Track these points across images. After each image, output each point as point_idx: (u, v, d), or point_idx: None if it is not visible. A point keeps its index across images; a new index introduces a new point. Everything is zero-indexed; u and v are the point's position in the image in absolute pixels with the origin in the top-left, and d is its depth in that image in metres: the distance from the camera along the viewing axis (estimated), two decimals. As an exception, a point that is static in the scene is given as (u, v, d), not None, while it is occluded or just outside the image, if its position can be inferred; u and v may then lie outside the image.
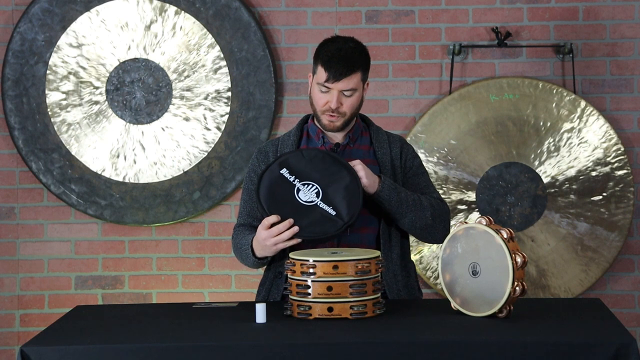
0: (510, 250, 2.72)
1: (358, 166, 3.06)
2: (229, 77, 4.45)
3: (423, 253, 4.45)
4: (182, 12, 4.44)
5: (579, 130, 4.40)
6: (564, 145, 4.41)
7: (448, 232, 3.17)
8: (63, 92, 4.47)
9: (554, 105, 4.41)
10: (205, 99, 4.46)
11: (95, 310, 3.17)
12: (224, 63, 4.45)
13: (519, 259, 2.72)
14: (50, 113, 4.46)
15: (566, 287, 4.40)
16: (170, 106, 4.47)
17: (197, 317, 2.89)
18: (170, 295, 4.52)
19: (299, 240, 2.99)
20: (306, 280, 2.77)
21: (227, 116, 4.46)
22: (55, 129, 4.47)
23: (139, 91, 4.48)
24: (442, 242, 3.05)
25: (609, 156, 4.40)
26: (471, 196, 4.43)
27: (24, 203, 4.54)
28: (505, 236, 2.74)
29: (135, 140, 4.48)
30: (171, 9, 4.44)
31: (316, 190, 3.04)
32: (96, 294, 4.54)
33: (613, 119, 4.44)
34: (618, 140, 4.39)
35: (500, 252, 2.73)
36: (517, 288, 2.72)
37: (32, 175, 4.51)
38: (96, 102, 4.48)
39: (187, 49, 4.45)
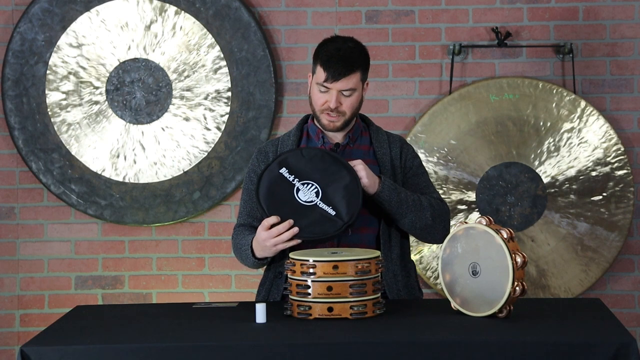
0: (510, 250, 2.72)
1: (359, 166, 3.05)
2: (229, 77, 4.45)
3: (423, 253, 4.45)
4: (182, 12, 4.44)
5: (579, 130, 4.40)
6: (564, 145, 4.41)
7: (448, 232, 3.17)
8: (63, 92, 4.47)
9: (554, 105, 4.41)
10: (205, 99, 4.47)
11: (95, 310, 3.17)
12: (224, 63, 4.45)
13: (519, 259, 2.72)
14: (50, 113, 4.46)
15: (566, 287, 4.40)
16: (170, 106, 4.47)
17: (197, 317, 2.89)
18: (170, 295, 4.52)
19: (299, 241, 2.99)
20: (306, 280, 2.77)
21: (227, 116, 4.46)
22: (55, 129, 4.47)
23: (139, 91, 4.48)
24: (442, 242, 3.05)
25: (609, 156, 4.40)
26: (471, 196, 4.43)
27: (24, 203, 4.54)
28: (505, 236, 2.74)
29: (135, 140, 4.48)
30: (171, 9, 4.44)
31: (316, 190, 3.03)
32: (96, 294, 4.54)
33: (613, 119, 4.44)
34: (618, 140, 4.39)
35: (500, 252, 2.73)
36: (517, 288, 2.72)
37: (32, 175, 4.51)
38: (96, 102, 4.48)
39: (187, 49, 4.45)
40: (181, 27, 4.45)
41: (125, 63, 4.47)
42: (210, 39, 4.44)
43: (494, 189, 4.43)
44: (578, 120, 4.40)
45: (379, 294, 2.82)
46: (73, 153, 4.47)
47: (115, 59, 4.46)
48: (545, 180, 4.42)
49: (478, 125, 4.43)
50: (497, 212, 4.41)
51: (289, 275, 2.83)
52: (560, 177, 4.42)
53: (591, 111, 4.39)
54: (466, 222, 2.83)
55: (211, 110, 4.46)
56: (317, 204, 3.01)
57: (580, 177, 4.41)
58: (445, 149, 4.43)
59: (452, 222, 4.27)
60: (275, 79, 4.45)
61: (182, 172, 4.48)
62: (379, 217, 3.15)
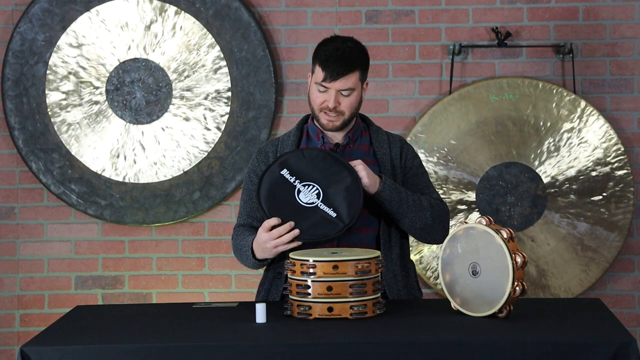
0: (510, 250, 2.72)
1: (359, 166, 3.05)
2: (229, 77, 4.45)
3: (423, 253, 4.45)
4: (182, 12, 4.44)
5: (579, 130, 4.40)
6: (564, 145, 4.41)
7: (447, 232, 3.17)
8: (63, 92, 4.47)
9: (554, 105, 4.41)
10: (205, 99, 4.46)
11: (95, 310, 3.17)
12: (224, 63, 4.45)
13: (519, 259, 2.72)
14: (50, 113, 4.46)
15: (566, 287, 4.40)
16: (170, 106, 4.47)
17: (197, 317, 2.89)
18: (170, 295, 4.52)
19: (300, 243, 2.99)
20: (306, 280, 2.77)
21: (227, 116, 4.46)
22: (55, 129, 4.47)
23: (139, 91, 4.48)
24: (441, 242, 3.05)
25: (609, 156, 4.40)
26: (471, 196, 4.43)
27: (24, 203, 4.54)
28: (505, 236, 2.74)
29: (135, 140, 4.48)
30: (171, 9, 4.44)
31: (317, 191, 3.03)
32: (96, 294, 4.54)
33: (613, 119, 4.44)
34: (618, 140, 4.39)
35: (500, 252, 2.73)
36: (517, 288, 2.72)
37: (32, 175, 4.51)
38: (96, 102, 4.48)
39: (187, 49, 4.45)
40: (181, 27, 4.45)
41: (125, 63, 4.47)
42: (210, 39, 4.44)
43: (494, 189, 4.43)
44: (578, 120, 4.40)
45: (379, 294, 2.82)
46: (73, 153, 4.47)
47: (115, 59, 4.46)
48: (545, 180, 4.42)
49: (478, 125, 4.43)
50: (497, 212, 4.41)
51: (289, 275, 2.83)
52: (560, 177, 4.42)
53: (591, 111, 4.39)
54: (466, 222, 2.83)
55: (211, 110, 4.46)
56: (318, 205, 3.01)
57: (580, 177, 4.41)
58: (445, 149, 4.43)
59: (452, 222, 4.27)
60: (275, 79, 4.45)
61: (182, 172, 4.48)
62: (379, 217, 3.15)
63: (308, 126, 3.25)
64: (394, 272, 3.16)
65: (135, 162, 4.47)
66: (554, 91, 4.41)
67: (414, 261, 4.18)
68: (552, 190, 4.42)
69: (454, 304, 2.84)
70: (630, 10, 4.44)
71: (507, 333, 2.62)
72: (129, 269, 4.54)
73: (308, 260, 2.77)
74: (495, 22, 4.46)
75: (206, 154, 4.47)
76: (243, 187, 3.27)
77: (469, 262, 2.79)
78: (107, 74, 4.47)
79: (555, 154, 4.41)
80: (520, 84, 4.42)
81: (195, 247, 4.54)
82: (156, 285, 4.54)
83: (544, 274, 4.41)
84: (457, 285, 2.82)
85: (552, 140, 4.41)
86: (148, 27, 4.45)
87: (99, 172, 4.47)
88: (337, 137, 3.20)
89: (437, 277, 4.43)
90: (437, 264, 4.01)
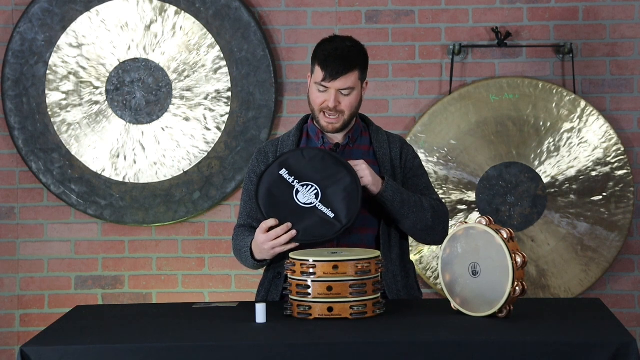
0: (510, 250, 2.72)
1: (362, 165, 3.05)
2: (229, 77, 4.45)
3: (423, 253, 4.45)
4: (182, 12, 4.44)
5: (579, 130, 4.40)
6: (564, 145, 4.41)
7: (447, 234, 3.17)
8: (63, 92, 4.47)
9: (554, 105, 4.41)
10: (205, 99, 4.46)
11: (95, 310, 3.17)
12: (224, 63, 4.45)
13: (519, 259, 2.72)
14: (50, 113, 4.46)
15: (566, 287, 4.40)
16: (170, 106, 4.47)
17: (197, 317, 2.89)
18: (170, 295, 4.52)
19: (297, 244, 2.99)
20: (306, 280, 2.77)
21: (227, 116, 4.46)
22: (55, 129, 4.47)
23: (139, 91, 4.48)
24: (440, 243, 3.05)
25: (609, 156, 4.40)
26: (471, 196, 4.43)
27: (24, 203, 4.54)
28: (505, 236, 2.74)
29: (135, 140, 4.48)
30: (171, 9, 4.44)
31: (315, 191, 3.03)
32: (96, 294, 4.54)
33: (613, 119, 4.44)
34: (618, 140, 4.39)
35: (500, 252, 2.73)
36: (517, 288, 2.72)
37: (32, 175, 4.51)
38: (96, 102, 4.48)
39: (187, 49, 4.45)
40: (181, 27, 4.45)
41: (125, 63, 4.47)
42: (210, 39, 4.44)
43: (494, 189, 4.43)
44: (578, 120, 4.40)
45: (379, 294, 2.82)
46: (73, 153, 4.47)
47: (115, 59, 4.46)
48: (545, 180, 4.42)
49: (478, 125, 4.43)
50: (497, 212, 4.41)
51: (289, 275, 2.83)
52: (560, 177, 4.42)
53: (591, 111, 4.39)
54: (466, 222, 2.83)
55: (211, 110, 4.46)
56: (317, 206, 3.01)
57: (580, 177, 4.41)
58: (445, 149, 4.43)
59: (452, 222, 4.27)
60: (275, 79, 4.45)
61: (182, 172, 4.48)
62: (378, 218, 3.15)
63: (308, 126, 3.25)
64: (393, 273, 3.16)
65: (135, 162, 4.47)
66: (554, 91, 4.41)
67: (414, 261, 4.18)
68: (552, 190, 4.42)
69: (454, 304, 2.84)
70: (630, 10, 4.44)
71: (507, 333, 2.62)
72: (129, 269, 4.54)
73: (308, 260, 2.77)
74: (495, 22, 4.46)
75: (206, 154, 4.47)
76: (243, 187, 3.27)
77: (469, 262, 2.79)
78: (107, 74, 4.47)
79: (555, 154, 4.41)
80: (520, 84, 4.42)
81: (195, 247, 4.54)
82: (156, 285, 4.54)
83: (544, 274, 4.41)
84: (457, 285, 2.82)
85: (552, 140, 4.41)
86: (148, 27, 4.45)
87: (99, 172, 4.47)
88: (337, 137, 3.20)
89: (437, 277, 4.43)
90: (437, 264, 4.01)
